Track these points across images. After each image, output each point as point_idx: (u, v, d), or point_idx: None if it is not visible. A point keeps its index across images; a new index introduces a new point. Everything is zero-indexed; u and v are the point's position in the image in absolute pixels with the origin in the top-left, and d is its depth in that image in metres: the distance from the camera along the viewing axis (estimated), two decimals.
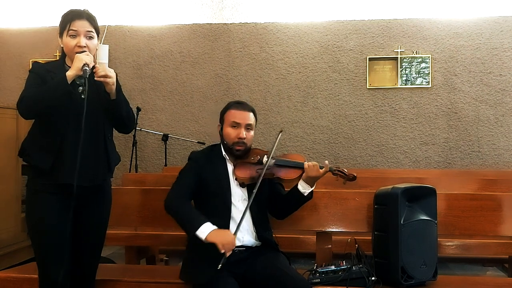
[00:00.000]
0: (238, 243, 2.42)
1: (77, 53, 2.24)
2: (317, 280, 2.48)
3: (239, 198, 2.53)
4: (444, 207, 2.87)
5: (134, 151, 5.57)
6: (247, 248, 2.50)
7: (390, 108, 5.86)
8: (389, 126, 5.86)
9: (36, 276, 2.38)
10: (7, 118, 4.31)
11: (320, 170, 2.48)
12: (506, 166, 5.66)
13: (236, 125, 2.55)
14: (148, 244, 3.65)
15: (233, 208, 2.50)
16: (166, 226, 3.42)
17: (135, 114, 5.44)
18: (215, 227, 2.34)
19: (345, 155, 5.90)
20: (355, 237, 2.76)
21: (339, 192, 3.06)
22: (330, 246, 2.96)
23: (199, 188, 2.53)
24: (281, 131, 2.70)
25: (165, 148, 5.70)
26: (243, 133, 2.54)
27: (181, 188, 2.51)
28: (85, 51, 2.25)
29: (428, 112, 5.80)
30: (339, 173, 2.53)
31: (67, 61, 2.35)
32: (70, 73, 2.17)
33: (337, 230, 2.96)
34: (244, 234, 2.50)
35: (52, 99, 2.18)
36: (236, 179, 2.52)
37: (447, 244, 3.09)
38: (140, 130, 5.62)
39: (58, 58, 2.44)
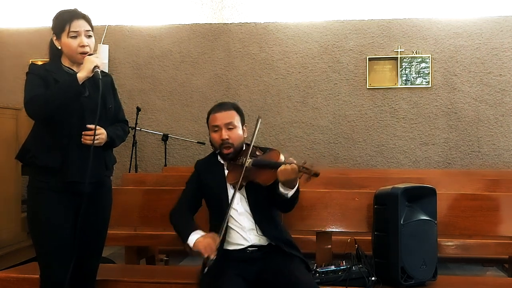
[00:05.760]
0: (246, 243, 2.46)
1: (81, 53, 2.29)
2: (317, 280, 2.46)
3: (237, 201, 2.50)
4: (444, 207, 2.86)
5: (134, 151, 5.57)
6: (259, 247, 2.47)
7: (390, 108, 5.86)
8: (389, 126, 5.86)
9: (36, 276, 2.37)
10: (7, 118, 4.30)
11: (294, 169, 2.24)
12: (506, 166, 5.66)
13: (216, 128, 2.52)
14: (148, 244, 3.65)
15: (232, 211, 2.47)
16: (166, 226, 3.40)
17: (136, 114, 5.47)
18: (202, 234, 2.38)
19: (345, 155, 5.90)
20: (355, 237, 2.76)
21: (339, 192, 3.07)
22: (330, 246, 2.96)
23: (203, 195, 2.63)
24: (259, 118, 2.53)
25: (165, 148, 5.70)
26: (224, 134, 2.49)
27: (183, 200, 2.62)
28: (93, 53, 2.31)
29: (428, 112, 5.80)
30: (303, 169, 2.23)
31: (63, 61, 2.36)
32: (81, 75, 2.21)
33: (337, 230, 2.96)
34: (249, 233, 2.49)
35: (63, 99, 2.21)
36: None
37: (447, 244, 3.08)
38: (140, 130, 5.61)
39: (49, 59, 2.40)
